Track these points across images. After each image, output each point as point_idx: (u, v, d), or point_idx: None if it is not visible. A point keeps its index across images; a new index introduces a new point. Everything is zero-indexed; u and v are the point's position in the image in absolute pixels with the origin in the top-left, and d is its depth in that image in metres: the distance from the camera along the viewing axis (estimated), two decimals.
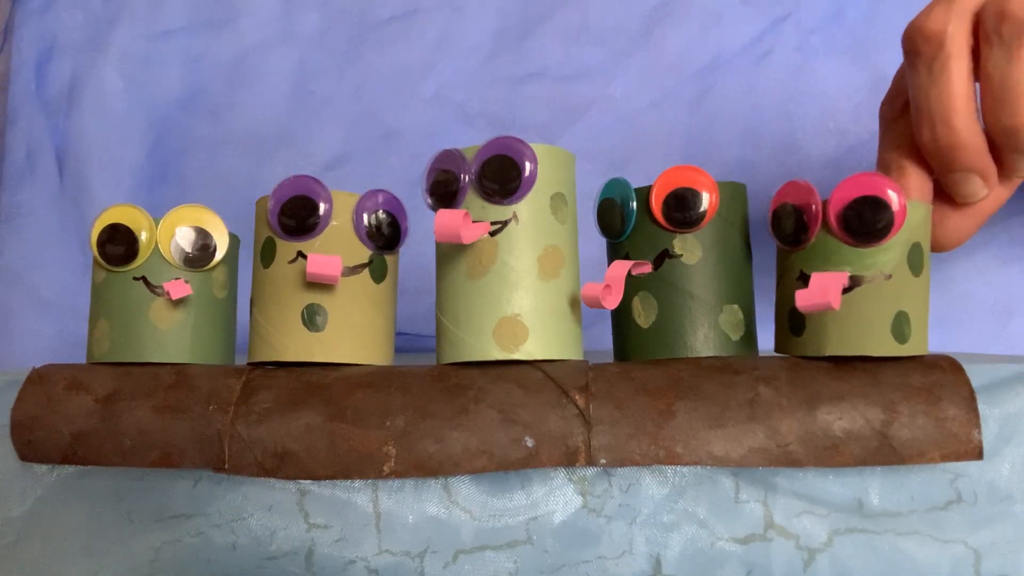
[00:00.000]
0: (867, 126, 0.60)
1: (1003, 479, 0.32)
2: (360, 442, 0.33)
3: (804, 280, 0.33)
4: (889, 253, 0.32)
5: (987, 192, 0.35)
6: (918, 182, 0.37)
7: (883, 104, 0.40)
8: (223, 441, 0.34)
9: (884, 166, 0.38)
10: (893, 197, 0.31)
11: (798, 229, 0.33)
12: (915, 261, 0.33)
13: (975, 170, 0.34)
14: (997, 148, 0.35)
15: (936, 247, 0.38)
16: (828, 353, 0.32)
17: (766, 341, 0.37)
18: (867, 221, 0.31)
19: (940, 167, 0.35)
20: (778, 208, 0.34)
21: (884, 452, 0.31)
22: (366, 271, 0.37)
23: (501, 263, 0.34)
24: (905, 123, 0.38)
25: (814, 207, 0.32)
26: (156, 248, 0.37)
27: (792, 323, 0.34)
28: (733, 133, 0.61)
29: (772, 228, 0.34)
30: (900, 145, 0.38)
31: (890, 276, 0.32)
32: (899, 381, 0.32)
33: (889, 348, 0.32)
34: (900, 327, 0.32)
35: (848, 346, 0.32)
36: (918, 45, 0.34)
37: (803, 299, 0.30)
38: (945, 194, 0.37)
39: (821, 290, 0.30)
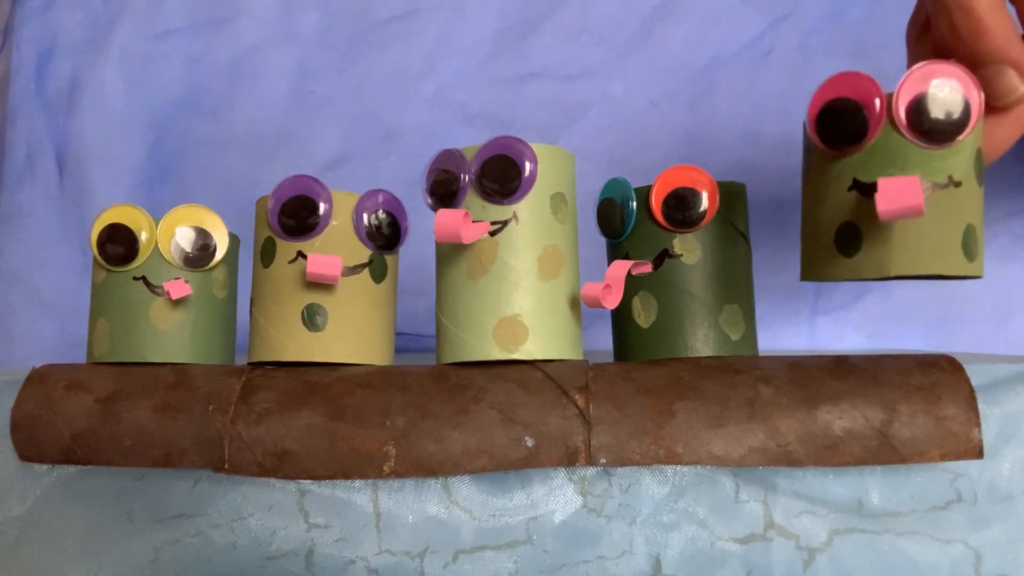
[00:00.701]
0: None
1: (1003, 479, 0.32)
2: (360, 442, 0.33)
3: (861, 189, 0.29)
4: (959, 156, 0.28)
5: None
6: None
7: (908, 25, 0.37)
8: (223, 441, 0.34)
9: None
10: (970, 87, 0.28)
11: (855, 128, 0.28)
12: (979, 168, 0.29)
13: (1006, 60, 0.30)
14: None
15: None
16: (893, 273, 0.28)
17: (766, 341, 0.37)
18: (943, 116, 0.27)
19: (967, 62, 0.31)
20: (830, 103, 0.29)
21: (884, 451, 0.31)
22: (366, 271, 0.37)
23: (501, 263, 0.34)
24: (930, 39, 0.35)
25: (878, 102, 0.28)
26: (156, 248, 0.37)
27: (843, 241, 0.30)
28: (733, 133, 0.61)
29: (815, 129, 0.30)
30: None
31: (960, 184, 0.28)
32: (899, 380, 0.32)
33: (960, 266, 0.28)
34: (968, 242, 0.29)
35: (917, 264, 0.28)
36: None
37: (886, 202, 0.26)
38: None
39: (906, 191, 0.26)
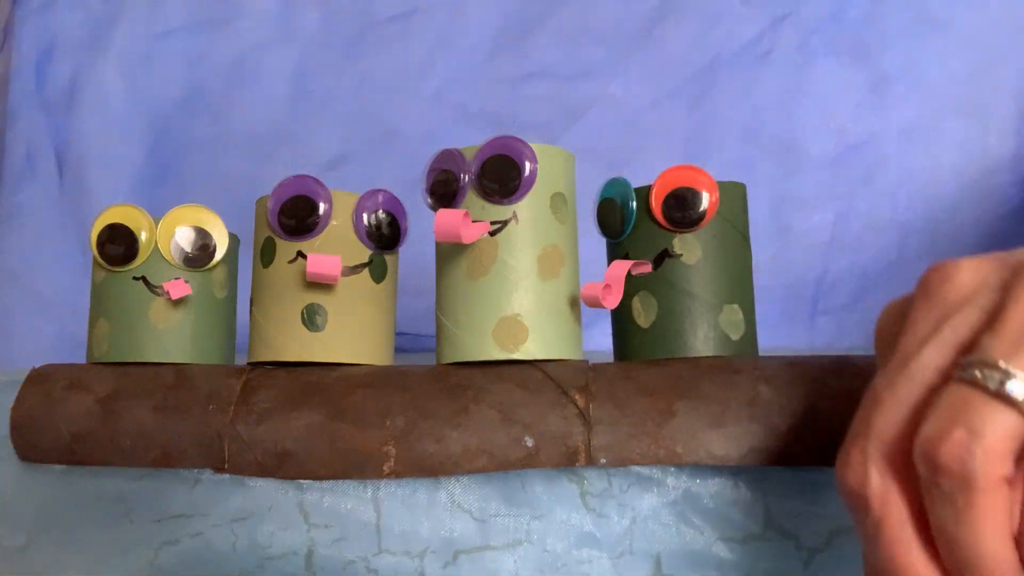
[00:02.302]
0: (867, 126, 0.60)
1: None
2: (360, 442, 0.33)
3: None
4: None
5: None
6: None
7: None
8: (223, 441, 0.34)
9: None
10: None
11: None
12: None
13: None
14: None
15: None
16: None
17: (766, 341, 0.37)
18: None
19: None
20: None
21: None
22: (366, 271, 0.37)
23: (501, 263, 0.34)
24: None
25: None
26: (156, 248, 0.37)
27: None
28: (733, 133, 0.61)
29: None
30: None
31: None
32: None
33: None
34: None
35: None
36: (845, 499, 0.26)
37: None
38: None
39: None
